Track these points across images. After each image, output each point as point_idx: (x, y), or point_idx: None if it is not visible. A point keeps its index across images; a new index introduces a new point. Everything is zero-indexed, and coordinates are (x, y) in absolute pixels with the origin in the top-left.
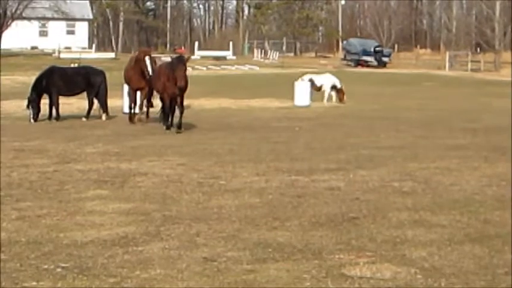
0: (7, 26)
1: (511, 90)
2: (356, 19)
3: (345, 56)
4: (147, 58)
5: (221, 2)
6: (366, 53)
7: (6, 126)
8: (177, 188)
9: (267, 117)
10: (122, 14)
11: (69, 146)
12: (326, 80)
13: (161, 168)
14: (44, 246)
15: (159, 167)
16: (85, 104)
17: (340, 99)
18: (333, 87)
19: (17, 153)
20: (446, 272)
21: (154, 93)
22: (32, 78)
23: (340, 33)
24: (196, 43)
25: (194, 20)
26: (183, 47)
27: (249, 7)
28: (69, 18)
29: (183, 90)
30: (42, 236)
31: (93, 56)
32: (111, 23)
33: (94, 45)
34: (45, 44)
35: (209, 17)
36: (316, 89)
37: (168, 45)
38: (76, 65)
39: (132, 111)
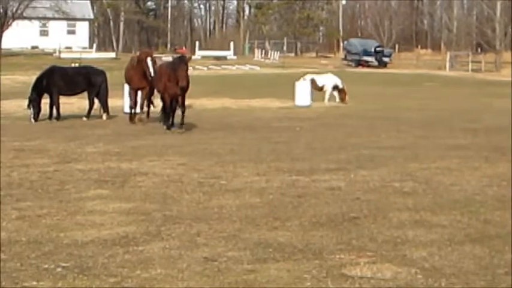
0: (8, 26)
1: None
2: (357, 19)
3: (345, 56)
4: (148, 59)
5: (222, 2)
6: (366, 53)
7: (7, 126)
8: (178, 187)
9: (268, 117)
10: (122, 13)
11: (69, 145)
12: (328, 80)
13: (162, 168)
14: (44, 246)
15: (159, 167)
16: (86, 103)
17: (342, 99)
18: (335, 88)
19: (18, 152)
20: (446, 272)
21: (155, 93)
22: (33, 78)
23: (341, 34)
24: (197, 43)
25: (195, 20)
26: (183, 47)
27: (250, 7)
28: (70, 18)
29: (184, 90)
30: (43, 235)
31: (93, 55)
32: (111, 23)
33: (95, 45)
34: (46, 44)
35: (210, 17)
36: (318, 89)
37: (168, 45)
38: (77, 64)
39: (133, 111)
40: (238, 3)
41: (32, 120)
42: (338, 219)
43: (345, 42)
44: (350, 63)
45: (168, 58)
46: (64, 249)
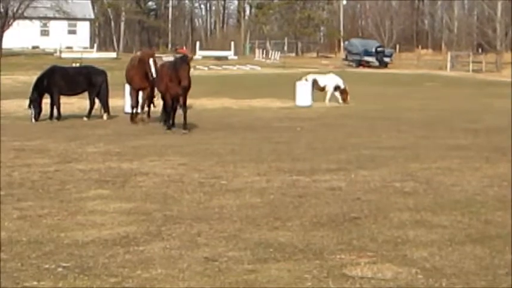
0: (9, 26)
1: None
2: (357, 19)
3: (346, 56)
4: (151, 60)
5: (222, 2)
6: (367, 53)
7: (7, 126)
8: (178, 187)
9: (269, 117)
10: (123, 13)
11: (70, 145)
12: (330, 81)
13: (162, 168)
14: (45, 246)
15: (160, 167)
16: (86, 103)
17: (344, 100)
18: (337, 88)
19: (18, 152)
20: (447, 272)
21: (156, 92)
22: (33, 78)
23: (342, 34)
24: (198, 43)
25: (196, 20)
26: (184, 47)
27: (251, 7)
28: (71, 18)
29: (187, 89)
30: (43, 235)
31: (94, 55)
32: (112, 23)
33: (95, 45)
34: (47, 44)
35: (211, 17)
36: (320, 89)
37: (169, 45)
38: (77, 64)
39: (134, 111)
40: (239, 3)
41: (33, 120)
42: (339, 219)
43: (346, 42)
44: (351, 63)
45: (168, 58)
46: (65, 249)
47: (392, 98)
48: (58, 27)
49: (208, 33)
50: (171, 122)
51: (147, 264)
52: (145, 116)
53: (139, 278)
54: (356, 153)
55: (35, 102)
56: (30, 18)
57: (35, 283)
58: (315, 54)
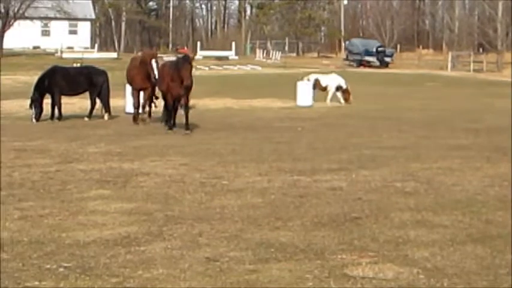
0: (9, 26)
1: None
2: (358, 19)
3: (347, 56)
4: (153, 61)
5: (223, 2)
6: (368, 53)
7: (8, 126)
8: (180, 188)
9: (270, 117)
10: (124, 13)
11: (71, 145)
12: (332, 81)
13: (163, 168)
14: (46, 246)
15: (161, 167)
16: (87, 103)
17: (346, 100)
18: (339, 88)
19: (19, 153)
20: (448, 272)
21: (157, 92)
22: (34, 78)
23: (343, 34)
24: (199, 43)
25: (196, 20)
26: (185, 47)
27: (251, 7)
28: (72, 18)
29: (189, 89)
30: (45, 235)
31: (95, 55)
32: (113, 23)
33: (96, 45)
34: (48, 44)
35: (211, 17)
36: (322, 89)
37: (170, 45)
38: (78, 64)
39: (137, 110)
40: (239, 3)
41: (34, 120)
42: (340, 219)
43: (347, 42)
44: (352, 63)
45: (170, 58)
46: (66, 249)
47: (393, 97)
48: (59, 27)
49: (209, 33)
50: (172, 122)
51: (149, 265)
52: (146, 116)
53: (141, 278)
54: (357, 153)
55: (36, 102)
56: (31, 18)
57: (36, 283)
58: (315, 54)
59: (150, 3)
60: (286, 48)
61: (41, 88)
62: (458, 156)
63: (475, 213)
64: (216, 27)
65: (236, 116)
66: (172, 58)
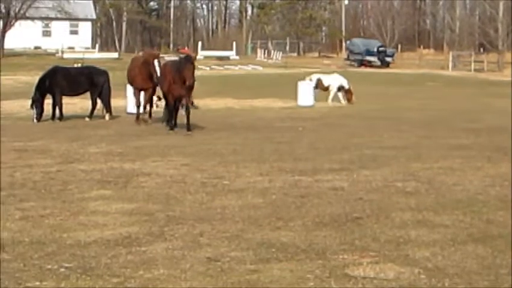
0: (10, 26)
1: None
2: (359, 19)
3: (348, 56)
4: (155, 61)
5: (224, 2)
6: (369, 53)
7: (9, 126)
8: (181, 188)
9: (270, 117)
10: (125, 14)
11: (72, 146)
12: (334, 81)
13: (165, 169)
14: (47, 246)
15: (162, 167)
16: (88, 104)
17: (349, 100)
18: (341, 88)
19: (20, 153)
20: (449, 272)
21: (158, 92)
22: (35, 78)
23: (344, 33)
24: (200, 43)
25: (197, 20)
26: (186, 47)
27: (253, 7)
28: (73, 18)
29: (191, 89)
30: (46, 236)
31: (96, 56)
32: (114, 23)
33: (97, 45)
34: (49, 44)
35: (212, 17)
36: (323, 89)
37: (171, 45)
38: (79, 65)
39: (139, 110)
40: (240, 3)
41: (35, 120)
42: (341, 219)
43: (348, 42)
44: (353, 63)
45: (171, 58)
46: (67, 249)
47: (394, 97)
48: (60, 27)
49: (210, 33)
50: (173, 122)
51: (150, 265)
52: (146, 116)
53: (142, 278)
54: (358, 153)
55: (37, 103)
56: (32, 18)
57: (37, 283)
58: (316, 54)
59: (151, 3)
60: (287, 48)
61: (42, 88)
62: (459, 156)
63: (476, 213)
64: (217, 27)
65: (237, 116)
66: (174, 58)
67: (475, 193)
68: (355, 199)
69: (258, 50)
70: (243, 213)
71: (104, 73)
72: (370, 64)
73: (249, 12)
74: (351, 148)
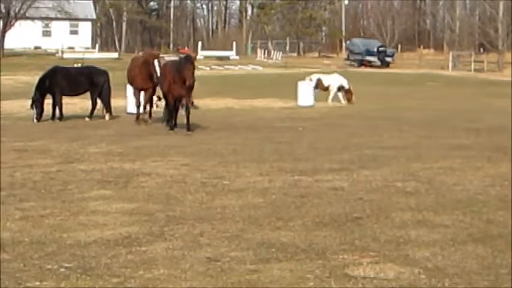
0: (10, 26)
1: None
2: (359, 19)
3: (348, 56)
4: (155, 61)
5: (224, 2)
6: (369, 53)
7: (9, 126)
8: (181, 188)
9: (270, 117)
10: (125, 14)
11: (72, 146)
12: (334, 81)
13: (165, 169)
14: (47, 246)
15: (162, 167)
16: (88, 104)
17: (349, 100)
18: (341, 88)
19: (20, 153)
20: (449, 272)
21: (158, 92)
22: (35, 78)
23: (344, 33)
24: (200, 43)
25: (197, 20)
26: (186, 47)
27: (253, 7)
28: (73, 18)
29: (191, 89)
30: (46, 236)
31: (96, 56)
32: (114, 23)
33: (97, 45)
34: (49, 44)
35: (212, 17)
36: (323, 88)
37: (171, 45)
38: (79, 65)
39: (139, 110)
40: (240, 3)
41: (35, 120)
42: (341, 219)
43: (348, 42)
44: (353, 63)
45: (171, 58)
46: (67, 249)
47: (394, 97)
48: (60, 27)
49: (210, 33)
50: (173, 122)
51: (150, 265)
52: (146, 116)
53: (142, 278)
54: (358, 153)
55: (37, 103)
56: (32, 18)
57: (37, 283)
58: (316, 54)
59: (151, 3)
60: (287, 48)
61: (42, 88)
62: (459, 156)
63: (476, 213)
64: (217, 27)
65: (237, 116)
66: (174, 58)
67: (475, 193)
68: (355, 199)
69: (258, 50)
70: (243, 213)
71: (104, 73)
72: (370, 64)
73: (249, 12)
74: (351, 148)
